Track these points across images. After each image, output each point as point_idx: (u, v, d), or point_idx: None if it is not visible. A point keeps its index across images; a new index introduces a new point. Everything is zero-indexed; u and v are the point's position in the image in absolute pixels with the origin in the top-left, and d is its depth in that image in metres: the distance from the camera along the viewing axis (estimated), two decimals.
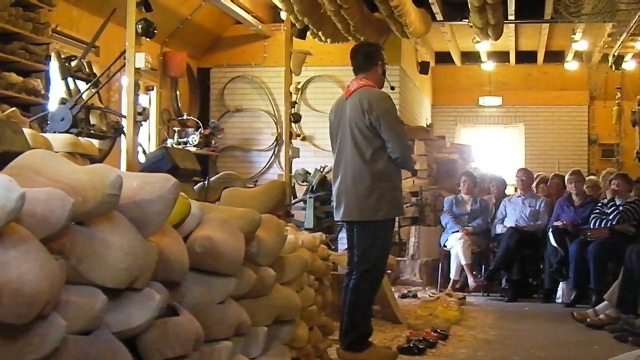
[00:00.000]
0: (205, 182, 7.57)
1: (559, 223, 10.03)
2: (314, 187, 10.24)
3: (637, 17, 11.30)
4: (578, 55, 16.00)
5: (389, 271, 9.04)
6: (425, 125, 15.77)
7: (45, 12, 8.79)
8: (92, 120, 7.49)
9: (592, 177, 11.75)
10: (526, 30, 14.94)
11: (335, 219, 6.40)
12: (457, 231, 10.78)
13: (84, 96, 7.37)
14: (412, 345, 6.44)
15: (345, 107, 6.12)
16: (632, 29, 12.14)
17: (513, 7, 11.91)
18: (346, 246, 6.56)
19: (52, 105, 8.20)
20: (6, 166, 2.24)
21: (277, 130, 13.54)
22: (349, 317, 5.97)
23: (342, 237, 10.20)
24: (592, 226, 9.64)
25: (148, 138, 12.27)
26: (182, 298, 2.66)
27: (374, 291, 6.12)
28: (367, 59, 6.19)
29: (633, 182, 10.06)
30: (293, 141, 10.95)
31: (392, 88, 6.41)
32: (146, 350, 2.32)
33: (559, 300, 9.92)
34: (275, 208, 4.69)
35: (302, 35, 10.55)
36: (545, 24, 13.78)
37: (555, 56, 16.94)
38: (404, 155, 5.90)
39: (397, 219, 11.90)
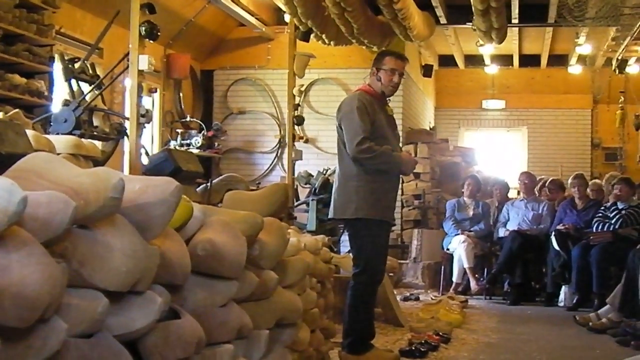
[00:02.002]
0: (208, 185, 7.57)
1: (561, 227, 10.03)
2: (317, 189, 10.23)
3: None
4: (582, 59, 15.99)
5: (391, 274, 9.05)
6: (428, 128, 15.77)
7: (49, 13, 8.81)
8: (95, 122, 7.51)
9: (596, 180, 11.74)
10: (530, 33, 14.94)
11: None
12: (460, 234, 10.80)
13: (87, 98, 7.39)
14: (414, 348, 6.43)
15: None
16: (636, 33, 12.13)
17: (517, 11, 11.90)
18: (348, 249, 6.59)
19: (56, 106, 8.21)
20: (8, 169, 2.24)
21: (280, 133, 13.54)
22: (348, 319, 5.99)
23: (345, 239, 10.20)
24: (594, 230, 9.64)
25: (151, 140, 12.29)
26: (184, 301, 2.66)
27: (369, 294, 6.09)
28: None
29: (636, 186, 10.05)
30: (296, 143, 10.95)
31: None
32: (148, 354, 2.32)
33: (562, 304, 9.93)
34: (278, 211, 4.69)
35: (305, 37, 10.55)
36: (549, 28, 13.76)
37: (558, 60, 16.93)
38: (353, 152, 5.84)
39: (399, 222, 12.04)
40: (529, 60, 17.13)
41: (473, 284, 10.62)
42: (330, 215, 6.32)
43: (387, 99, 6.23)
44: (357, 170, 5.93)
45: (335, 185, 6.13)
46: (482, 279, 10.83)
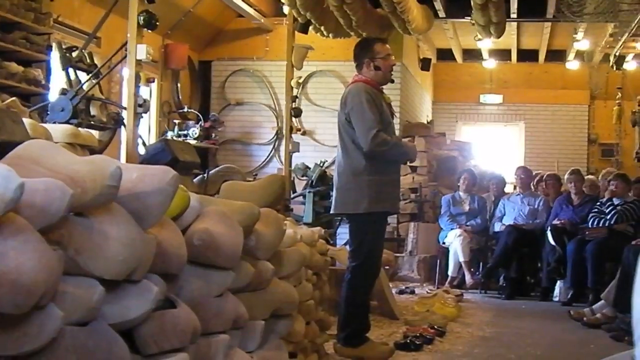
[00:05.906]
0: (205, 175, 7.58)
1: (557, 222, 10.04)
2: (314, 181, 10.23)
3: (639, 17, 11.28)
4: (579, 54, 16.01)
5: (386, 267, 9.05)
6: (425, 122, 15.77)
7: (47, 2, 8.80)
8: (93, 111, 7.49)
9: (590, 176, 11.77)
10: (528, 28, 14.94)
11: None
12: (456, 227, 10.81)
13: (85, 87, 7.37)
14: (409, 341, 6.43)
15: None
16: (634, 29, 12.12)
17: (516, 6, 11.91)
18: (345, 241, 6.58)
19: (53, 95, 8.20)
20: (5, 156, 2.24)
21: (278, 124, 13.54)
22: (344, 312, 5.99)
23: (341, 232, 10.21)
24: (590, 225, 9.64)
25: (148, 130, 12.28)
26: (180, 291, 2.66)
27: (367, 287, 6.10)
28: (356, 57, 6.18)
29: (632, 182, 10.05)
30: (293, 135, 10.94)
31: (392, 81, 6.38)
32: (143, 342, 2.32)
33: (556, 299, 9.94)
34: (275, 202, 4.70)
35: (304, 29, 10.54)
36: (547, 23, 13.78)
37: (556, 55, 16.94)
38: (369, 146, 5.78)
39: (396, 215, 12.03)
40: (527, 55, 17.15)
41: (468, 278, 10.64)
42: (337, 211, 6.20)
43: (381, 87, 6.21)
44: (366, 164, 5.88)
45: (341, 181, 6.00)
46: (477, 273, 10.85)
